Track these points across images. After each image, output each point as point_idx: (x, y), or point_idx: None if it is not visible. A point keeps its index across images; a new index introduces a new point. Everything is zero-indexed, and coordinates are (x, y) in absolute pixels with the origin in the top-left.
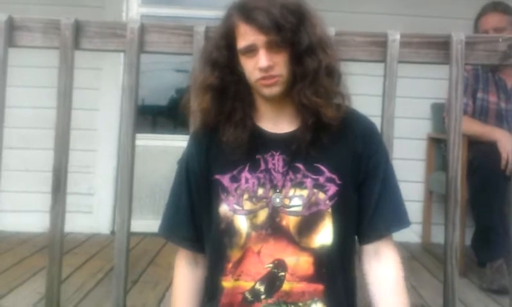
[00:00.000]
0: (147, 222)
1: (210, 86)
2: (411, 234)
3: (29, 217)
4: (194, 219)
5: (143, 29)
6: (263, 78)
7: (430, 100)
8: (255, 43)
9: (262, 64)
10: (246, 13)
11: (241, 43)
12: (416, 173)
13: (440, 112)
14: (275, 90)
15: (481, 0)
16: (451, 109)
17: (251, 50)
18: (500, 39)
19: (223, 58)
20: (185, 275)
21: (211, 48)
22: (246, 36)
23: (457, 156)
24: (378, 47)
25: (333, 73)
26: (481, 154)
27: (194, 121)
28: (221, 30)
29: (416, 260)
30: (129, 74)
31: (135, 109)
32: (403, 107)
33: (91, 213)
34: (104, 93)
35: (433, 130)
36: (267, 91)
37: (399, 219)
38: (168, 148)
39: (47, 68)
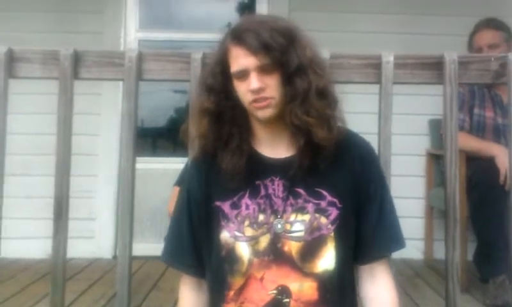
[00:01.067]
0: (149, 245)
1: (206, 111)
2: (413, 250)
3: (31, 244)
4: (196, 246)
5: (140, 58)
6: (255, 100)
7: (427, 116)
8: (247, 66)
9: (254, 86)
10: (236, 35)
11: (234, 67)
12: (416, 189)
13: (437, 128)
14: (268, 112)
15: (473, 17)
16: (446, 127)
17: (243, 74)
18: (493, 59)
19: (218, 84)
20: (189, 301)
21: (207, 74)
22: (238, 59)
23: (455, 174)
24: (373, 69)
25: (325, 95)
26: (479, 170)
27: (193, 147)
28: (215, 56)
29: (419, 277)
30: (128, 102)
31: (134, 136)
32: (401, 124)
33: (93, 238)
34: (103, 118)
35: (431, 146)
36: (260, 114)
37: (396, 241)
38: (168, 170)
39: (46, 95)
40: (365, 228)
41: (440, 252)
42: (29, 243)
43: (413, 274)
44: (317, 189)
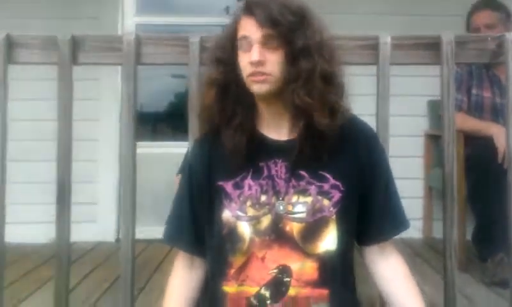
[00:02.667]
0: (151, 228)
1: (214, 82)
2: (412, 230)
3: (34, 229)
4: (196, 225)
5: (138, 41)
6: (253, 73)
7: (426, 97)
8: (251, 35)
9: (254, 58)
10: (247, 7)
11: (239, 35)
12: (415, 169)
13: (436, 109)
14: (264, 88)
15: None
16: (444, 107)
17: (247, 44)
18: (489, 38)
19: (227, 56)
20: (180, 278)
21: (216, 47)
22: (245, 28)
23: (452, 154)
24: (370, 49)
25: (330, 80)
26: (478, 149)
27: (198, 125)
28: (226, 29)
29: (419, 256)
30: (127, 86)
31: (134, 120)
32: (400, 105)
33: (96, 222)
34: (103, 102)
35: (430, 127)
36: (255, 88)
37: (403, 222)
38: (169, 155)
39: (46, 81)
40: (372, 211)
41: (438, 232)
42: (32, 228)
43: (412, 253)
44: (320, 172)
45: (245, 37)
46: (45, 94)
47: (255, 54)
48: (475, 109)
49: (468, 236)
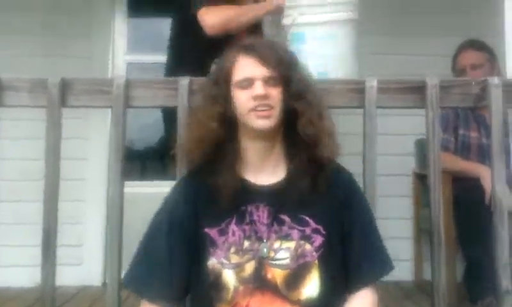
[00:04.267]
0: None
1: (217, 115)
2: (402, 271)
3: (19, 272)
4: (173, 270)
5: (128, 85)
6: (257, 108)
7: (414, 136)
8: (253, 75)
9: (259, 92)
10: (247, 47)
11: (239, 76)
12: (404, 209)
13: (423, 149)
14: (268, 123)
15: (458, 37)
16: (429, 151)
17: (248, 83)
18: (473, 83)
19: (222, 93)
20: None
21: (210, 86)
22: (245, 68)
23: (438, 197)
24: (357, 93)
25: (324, 119)
26: (465, 190)
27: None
28: (218, 68)
29: (409, 298)
30: (116, 129)
31: (122, 163)
32: (388, 144)
33: (81, 265)
34: (91, 142)
35: (418, 166)
36: (260, 123)
37: (382, 267)
38: (156, 194)
39: (34, 121)
40: (350, 256)
41: (429, 273)
42: (17, 271)
43: (403, 295)
44: (301, 216)
45: (246, 76)
46: (33, 133)
47: (260, 88)
48: (462, 150)
49: (459, 278)
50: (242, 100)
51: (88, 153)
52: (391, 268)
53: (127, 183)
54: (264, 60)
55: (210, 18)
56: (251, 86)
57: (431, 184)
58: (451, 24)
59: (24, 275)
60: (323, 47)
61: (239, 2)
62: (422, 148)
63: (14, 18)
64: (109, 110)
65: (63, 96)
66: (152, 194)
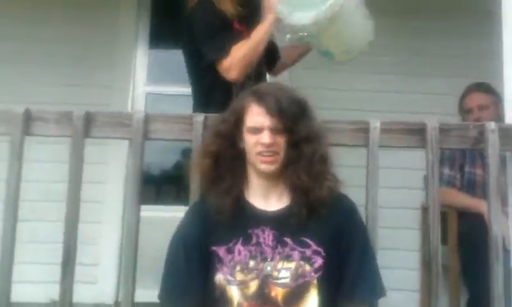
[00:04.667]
0: (150, 292)
1: (209, 153)
2: (409, 301)
3: (34, 288)
4: (194, 288)
5: (147, 119)
6: (264, 153)
7: (423, 171)
8: (262, 124)
9: (266, 140)
10: (258, 95)
11: (251, 122)
12: (413, 241)
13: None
14: (271, 167)
15: (463, 78)
16: (429, 189)
17: (257, 130)
18: (471, 126)
19: (228, 131)
20: None
21: (219, 121)
22: (256, 116)
23: (437, 231)
24: (361, 133)
25: (325, 160)
26: (470, 226)
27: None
28: (232, 108)
29: None
30: (133, 160)
31: (139, 192)
32: (398, 177)
33: (96, 284)
34: (109, 166)
35: (426, 200)
36: (264, 167)
37: (374, 292)
38: (170, 218)
39: (54, 144)
40: (345, 278)
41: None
42: (33, 287)
43: None
44: (303, 238)
45: (256, 125)
46: (52, 157)
47: (267, 137)
48: (468, 186)
49: None
50: (251, 143)
51: (105, 177)
52: (382, 294)
53: (142, 207)
54: (272, 112)
55: (233, 73)
56: (260, 132)
57: (430, 219)
58: (456, 65)
59: (40, 291)
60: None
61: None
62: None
63: (39, 49)
64: (128, 143)
65: (86, 128)
66: (165, 217)
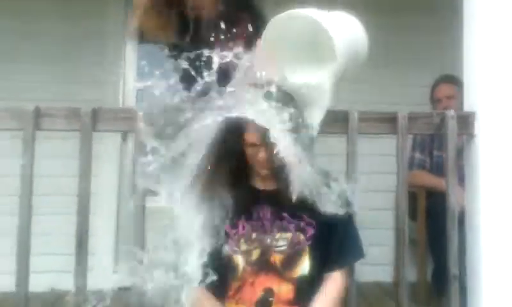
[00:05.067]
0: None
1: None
2: (385, 274)
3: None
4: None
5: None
6: (259, 164)
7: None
8: (257, 143)
9: (262, 157)
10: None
11: (249, 139)
12: (390, 220)
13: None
14: (268, 171)
15: (428, 70)
16: (399, 170)
17: (255, 146)
18: (435, 114)
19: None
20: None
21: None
22: (252, 137)
23: (405, 207)
24: (341, 121)
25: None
26: (436, 203)
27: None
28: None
29: (388, 295)
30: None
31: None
32: (377, 165)
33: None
34: (102, 160)
35: None
36: (262, 170)
37: (355, 255)
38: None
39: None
40: (332, 244)
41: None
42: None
43: (382, 293)
44: (297, 213)
45: (253, 142)
46: (61, 152)
47: (262, 154)
48: (436, 168)
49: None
50: (250, 154)
51: (98, 170)
52: (362, 256)
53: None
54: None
55: None
56: (257, 148)
57: (397, 198)
58: (424, 60)
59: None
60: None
61: None
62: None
63: (28, 45)
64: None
65: (94, 122)
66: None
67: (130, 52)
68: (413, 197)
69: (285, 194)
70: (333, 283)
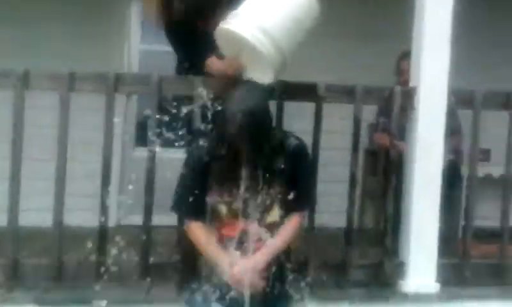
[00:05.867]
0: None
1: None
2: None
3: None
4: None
5: (161, 80)
6: None
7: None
8: None
9: None
10: None
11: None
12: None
13: (370, 131)
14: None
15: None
16: (356, 131)
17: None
18: (385, 89)
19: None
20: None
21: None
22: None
23: (356, 165)
24: (310, 91)
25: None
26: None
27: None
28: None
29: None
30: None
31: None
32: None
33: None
34: None
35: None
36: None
37: (309, 203)
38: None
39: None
40: (295, 192)
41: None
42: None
43: None
44: (270, 176)
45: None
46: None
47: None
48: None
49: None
50: None
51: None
52: (313, 205)
53: None
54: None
55: None
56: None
57: (352, 154)
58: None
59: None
60: None
61: None
62: (370, 130)
63: (39, 9)
64: None
65: (116, 85)
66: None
67: (135, 13)
68: (374, 156)
69: (259, 158)
70: (290, 224)
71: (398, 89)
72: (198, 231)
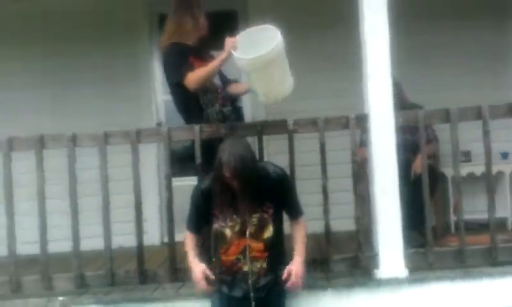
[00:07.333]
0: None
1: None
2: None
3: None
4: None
5: (169, 131)
6: None
7: None
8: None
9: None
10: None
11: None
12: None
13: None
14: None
15: None
16: (322, 151)
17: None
18: (343, 117)
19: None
20: (194, 239)
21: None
22: (233, 183)
23: (325, 178)
24: (280, 127)
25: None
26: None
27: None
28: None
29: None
30: (165, 153)
31: (169, 170)
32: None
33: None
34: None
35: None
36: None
37: (300, 212)
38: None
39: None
40: (287, 209)
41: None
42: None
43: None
44: (261, 202)
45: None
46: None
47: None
48: None
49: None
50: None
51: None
52: (303, 213)
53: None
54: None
55: (192, 85)
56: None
57: (322, 168)
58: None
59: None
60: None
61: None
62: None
63: (81, 73)
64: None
65: (138, 137)
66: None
67: (157, 68)
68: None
69: (253, 192)
70: (300, 224)
71: (353, 116)
72: (188, 240)
